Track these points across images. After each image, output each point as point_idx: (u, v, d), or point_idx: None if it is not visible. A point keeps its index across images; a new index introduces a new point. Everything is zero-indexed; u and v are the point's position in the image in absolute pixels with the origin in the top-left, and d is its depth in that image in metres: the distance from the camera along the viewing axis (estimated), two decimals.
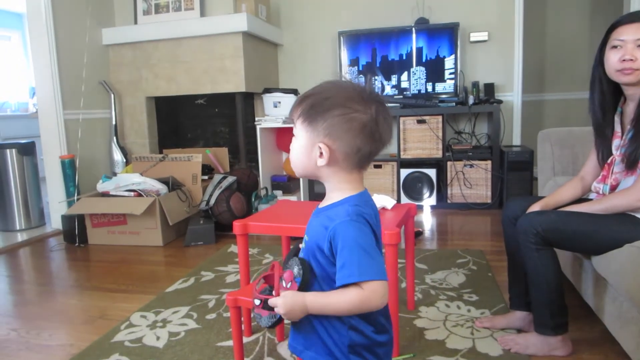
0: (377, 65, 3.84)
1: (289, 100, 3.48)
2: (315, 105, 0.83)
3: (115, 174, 3.49)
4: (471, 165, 3.51)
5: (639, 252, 1.21)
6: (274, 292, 0.86)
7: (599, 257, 1.40)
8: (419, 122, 3.55)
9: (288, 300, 0.82)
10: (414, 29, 3.74)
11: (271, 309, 0.85)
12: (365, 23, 3.96)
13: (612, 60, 1.41)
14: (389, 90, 3.83)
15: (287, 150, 3.89)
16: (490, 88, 3.70)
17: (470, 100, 3.62)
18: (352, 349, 0.84)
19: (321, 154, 0.83)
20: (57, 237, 3.28)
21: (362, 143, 0.82)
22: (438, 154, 3.56)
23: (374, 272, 0.78)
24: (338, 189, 0.87)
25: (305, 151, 0.85)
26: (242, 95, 3.70)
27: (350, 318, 0.83)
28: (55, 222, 3.44)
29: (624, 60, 1.37)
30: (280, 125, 3.45)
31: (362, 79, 0.85)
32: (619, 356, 1.42)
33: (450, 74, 3.71)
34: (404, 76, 3.79)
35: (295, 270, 0.84)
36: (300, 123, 0.85)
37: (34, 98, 4.69)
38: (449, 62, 3.70)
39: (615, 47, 1.41)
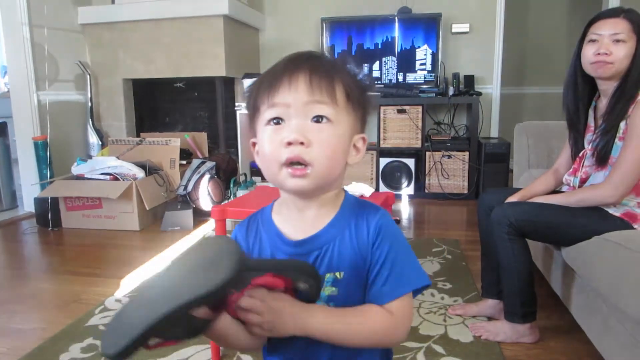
0: (353, 53, 3.84)
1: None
2: (356, 81, 0.65)
3: (90, 157, 3.42)
4: (449, 156, 3.55)
5: (606, 244, 1.25)
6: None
7: (568, 248, 1.44)
8: (399, 111, 3.57)
9: (276, 304, 0.58)
10: (396, 18, 3.74)
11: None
12: (348, 10, 3.93)
13: (588, 53, 1.44)
14: None
15: None
16: (470, 80, 3.74)
17: (450, 91, 3.65)
18: None
19: (356, 147, 0.66)
20: (29, 220, 3.21)
21: None
22: (417, 143, 3.59)
23: (425, 275, 0.64)
24: (338, 192, 0.68)
25: (345, 145, 0.63)
26: (222, 79, 3.66)
27: None
28: (27, 205, 3.36)
29: (598, 53, 1.41)
30: None
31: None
32: (584, 344, 1.48)
33: (422, 64, 3.72)
34: (389, 64, 3.79)
35: (302, 285, 0.60)
36: (345, 100, 0.63)
37: (5, 77, 4.54)
38: (429, 53, 3.71)
39: (592, 41, 1.44)
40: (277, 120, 0.61)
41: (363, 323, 0.61)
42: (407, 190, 3.64)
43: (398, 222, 3.01)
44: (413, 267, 0.63)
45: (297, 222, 0.66)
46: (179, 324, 0.52)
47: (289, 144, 0.59)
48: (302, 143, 0.59)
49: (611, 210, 1.41)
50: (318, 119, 0.60)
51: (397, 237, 0.64)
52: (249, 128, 0.67)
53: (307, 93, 0.60)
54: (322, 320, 0.60)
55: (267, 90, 0.62)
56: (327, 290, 0.63)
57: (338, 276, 0.63)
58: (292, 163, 0.59)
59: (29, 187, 3.32)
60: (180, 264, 0.56)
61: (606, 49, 1.39)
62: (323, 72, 0.61)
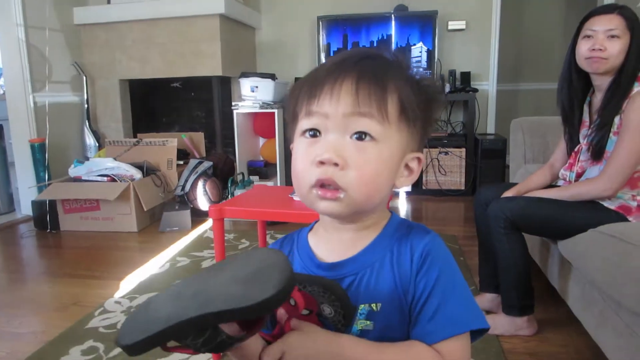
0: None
1: (266, 84, 3.45)
2: (420, 91, 0.55)
3: (87, 159, 3.41)
4: (446, 153, 3.56)
5: (602, 237, 1.26)
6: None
7: (564, 241, 1.45)
8: None
9: (301, 340, 0.51)
10: (393, 15, 3.75)
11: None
12: (343, 8, 3.94)
13: (583, 49, 1.45)
14: None
15: (265, 135, 3.87)
16: (466, 77, 3.75)
17: (447, 88, 3.66)
18: None
19: (408, 168, 0.57)
20: (27, 224, 3.20)
21: None
22: None
23: (483, 316, 0.54)
24: (381, 211, 0.59)
25: (392, 168, 0.54)
26: (219, 79, 3.66)
27: None
28: (25, 208, 3.35)
29: (593, 49, 1.42)
30: (257, 110, 3.43)
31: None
32: (581, 336, 1.49)
33: (417, 62, 3.73)
34: None
35: (327, 309, 0.53)
36: (398, 114, 0.53)
37: (1, 79, 4.54)
38: (424, 50, 3.72)
39: (587, 36, 1.45)
40: (314, 132, 0.53)
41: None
42: (404, 187, 3.65)
43: None
44: (467, 303, 0.53)
45: (333, 244, 0.59)
46: (202, 334, 0.46)
47: (321, 163, 0.51)
48: (336, 164, 0.51)
49: (606, 204, 1.42)
50: (361, 135, 0.51)
51: (449, 265, 0.55)
52: (290, 132, 0.60)
53: (350, 103, 0.51)
54: (355, 353, 0.51)
55: (307, 95, 0.54)
56: (360, 324, 0.54)
57: (374, 308, 0.54)
58: (323, 184, 0.52)
59: (26, 190, 3.31)
60: (226, 268, 0.50)
61: (601, 45, 1.40)
62: (373, 78, 0.51)
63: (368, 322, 0.54)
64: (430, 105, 0.57)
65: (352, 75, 0.52)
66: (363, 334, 0.54)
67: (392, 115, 0.52)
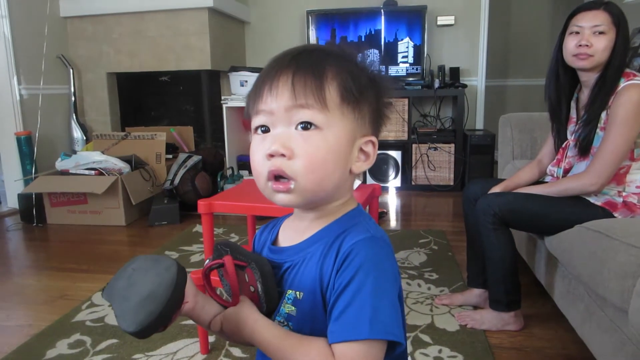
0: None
1: (255, 79, 3.43)
2: (360, 75, 0.57)
3: (75, 152, 3.38)
4: (435, 148, 3.58)
5: (587, 232, 1.28)
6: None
7: (550, 237, 1.47)
8: None
9: (233, 318, 0.58)
10: (382, 10, 3.75)
11: None
12: (333, 2, 3.92)
13: (570, 45, 1.46)
14: None
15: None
16: (455, 72, 3.76)
17: (436, 84, 3.67)
18: None
19: (364, 152, 0.58)
20: (13, 217, 3.16)
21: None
22: (404, 136, 3.61)
23: (392, 328, 0.51)
24: (342, 203, 0.60)
25: (341, 153, 0.55)
26: (208, 73, 3.63)
27: None
28: (11, 201, 3.31)
29: (580, 45, 1.43)
30: None
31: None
32: (567, 331, 1.51)
33: (404, 57, 3.74)
34: (371, 57, 3.79)
35: (259, 286, 0.58)
36: (340, 101, 0.55)
37: None
38: (411, 45, 3.73)
39: (573, 33, 1.46)
40: (265, 128, 0.56)
41: (296, 354, 0.53)
42: (394, 182, 3.66)
43: (385, 214, 3.03)
44: (378, 311, 0.50)
45: (292, 230, 0.62)
46: None
47: (271, 156, 0.54)
48: (283, 155, 0.53)
49: (592, 200, 1.44)
50: (306, 125, 0.53)
51: (370, 269, 0.51)
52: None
53: (289, 97, 0.53)
54: (262, 335, 0.56)
55: (254, 94, 0.57)
56: (287, 307, 0.58)
57: (298, 296, 0.57)
58: (276, 176, 0.54)
59: (12, 183, 3.27)
60: (143, 276, 0.56)
61: (587, 41, 1.42)
62: (309, 71, 0.53)
63: (293, 308, 0.57)
64: (377, 89, 0.59)
65: (288, 70, 0.54)
66: (289, 317, 0.58)
67: (333, 103, 0.54)
